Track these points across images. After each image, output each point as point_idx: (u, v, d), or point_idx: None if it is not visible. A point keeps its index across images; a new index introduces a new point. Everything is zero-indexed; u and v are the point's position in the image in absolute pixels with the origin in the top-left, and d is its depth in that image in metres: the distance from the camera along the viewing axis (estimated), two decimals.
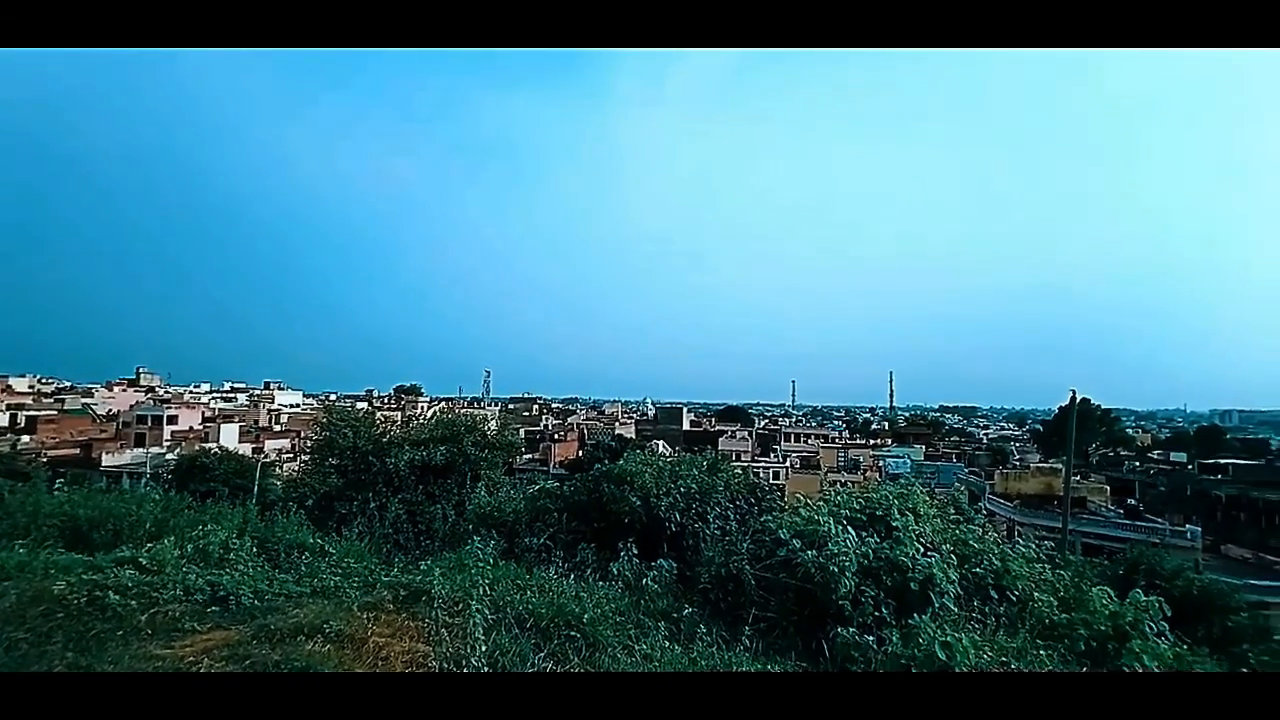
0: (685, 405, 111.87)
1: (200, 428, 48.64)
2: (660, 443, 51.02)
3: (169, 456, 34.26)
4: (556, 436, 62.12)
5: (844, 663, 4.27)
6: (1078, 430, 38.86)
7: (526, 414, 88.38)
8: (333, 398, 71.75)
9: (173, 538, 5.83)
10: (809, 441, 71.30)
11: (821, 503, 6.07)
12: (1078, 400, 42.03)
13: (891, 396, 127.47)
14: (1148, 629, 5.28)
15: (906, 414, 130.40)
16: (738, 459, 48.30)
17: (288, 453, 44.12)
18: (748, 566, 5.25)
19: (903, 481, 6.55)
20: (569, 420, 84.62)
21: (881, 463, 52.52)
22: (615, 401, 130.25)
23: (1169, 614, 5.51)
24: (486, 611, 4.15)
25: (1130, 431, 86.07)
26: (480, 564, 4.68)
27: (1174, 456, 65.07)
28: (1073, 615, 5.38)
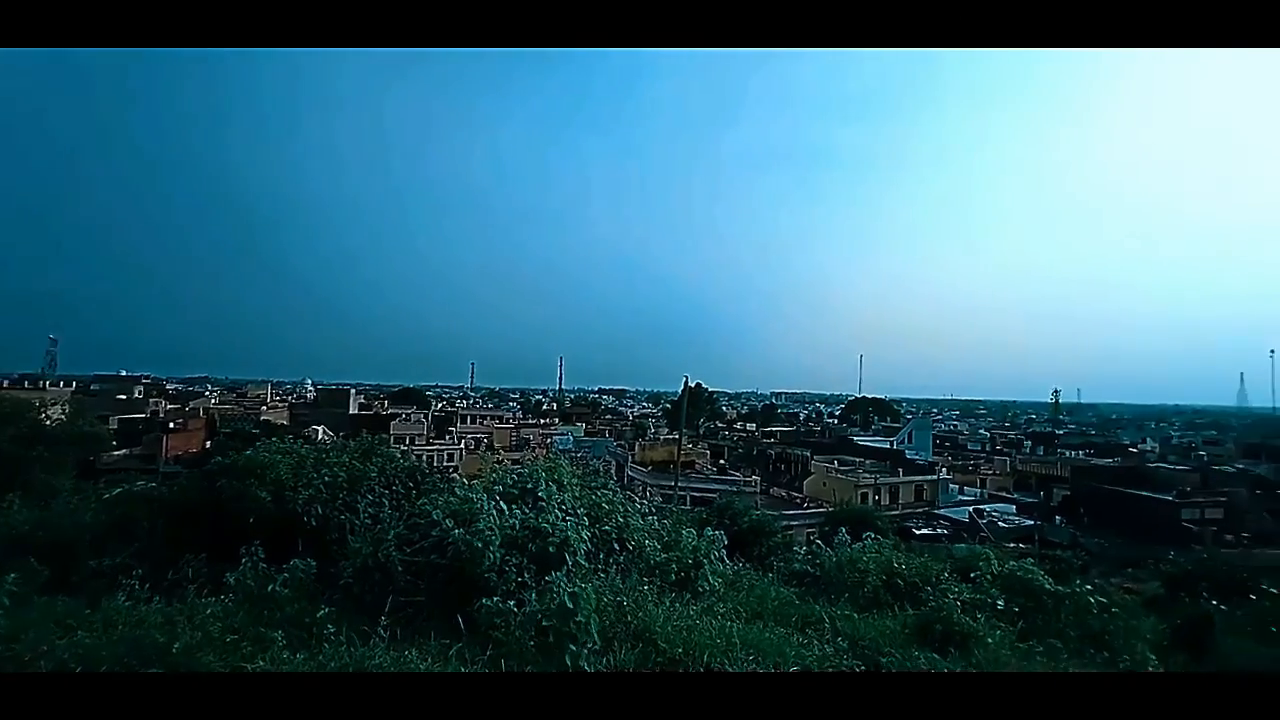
0: (354, 386, 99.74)
1: None
2: (320, 428, 44.43)
3: None
4: (173, 425, 47.84)
5: (487, 630, 4.53)
6: (690, 408, 49.53)
7: (124, 397, 65.50)
8: None
9: None
10: (486, 422, 72.23)
11: (477, 481, 6.30)
12: (690, 385, 53.54)
13: (560, 380, 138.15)
14: (714, 556, 7.17)
15: (572, 395, 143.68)
16: (412, 442, 45.84)
17: None
18: (395, 553, 5.08)
19: (551, 455, 7.35)
20: (194, 404, 66.40)
21: (550, 440, 57.01)
22: (263, 382, 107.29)
23: (727, 543, 7.62)
24: None
25: (725, 408, 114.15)
26: None
27: (749, 427, 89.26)
28: (669, 554, 6.89)
